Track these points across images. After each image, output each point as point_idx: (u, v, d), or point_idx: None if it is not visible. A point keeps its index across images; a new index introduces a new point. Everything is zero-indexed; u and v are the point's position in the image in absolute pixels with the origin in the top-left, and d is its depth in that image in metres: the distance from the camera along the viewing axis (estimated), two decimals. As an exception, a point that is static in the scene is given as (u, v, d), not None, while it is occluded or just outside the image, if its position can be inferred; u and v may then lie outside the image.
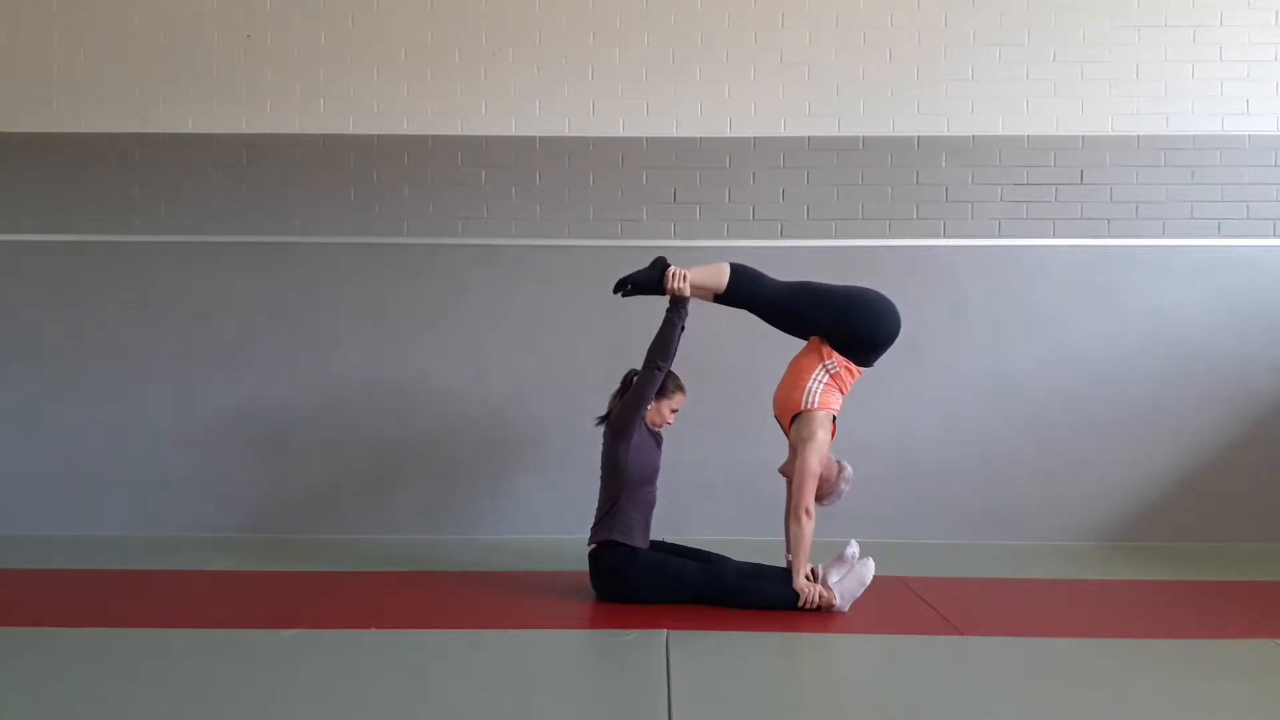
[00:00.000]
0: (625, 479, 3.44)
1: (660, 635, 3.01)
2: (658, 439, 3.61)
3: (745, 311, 4.82)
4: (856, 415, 4.59)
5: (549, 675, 2.73)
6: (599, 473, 3.55)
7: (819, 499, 3.50)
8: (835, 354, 3.45)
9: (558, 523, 4.54)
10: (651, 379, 3.42)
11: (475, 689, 2.57)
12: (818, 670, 2.93)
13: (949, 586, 3.74)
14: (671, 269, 3.44)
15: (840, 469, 3.52)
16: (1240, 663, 2.85)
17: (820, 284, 3.55)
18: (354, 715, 2.39)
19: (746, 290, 3.45)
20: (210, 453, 4.68)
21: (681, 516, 4.57)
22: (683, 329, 3.50)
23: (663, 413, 3.56)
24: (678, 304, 3.46)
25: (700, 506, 4.63)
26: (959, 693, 2.60)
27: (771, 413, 3.65)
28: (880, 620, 3.28)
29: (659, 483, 3.58)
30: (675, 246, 4.73)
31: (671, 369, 3.54)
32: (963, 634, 3.12)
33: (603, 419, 3.59)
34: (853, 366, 3.47)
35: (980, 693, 2.60)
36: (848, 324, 3.44)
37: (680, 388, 3.59)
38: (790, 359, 3.60)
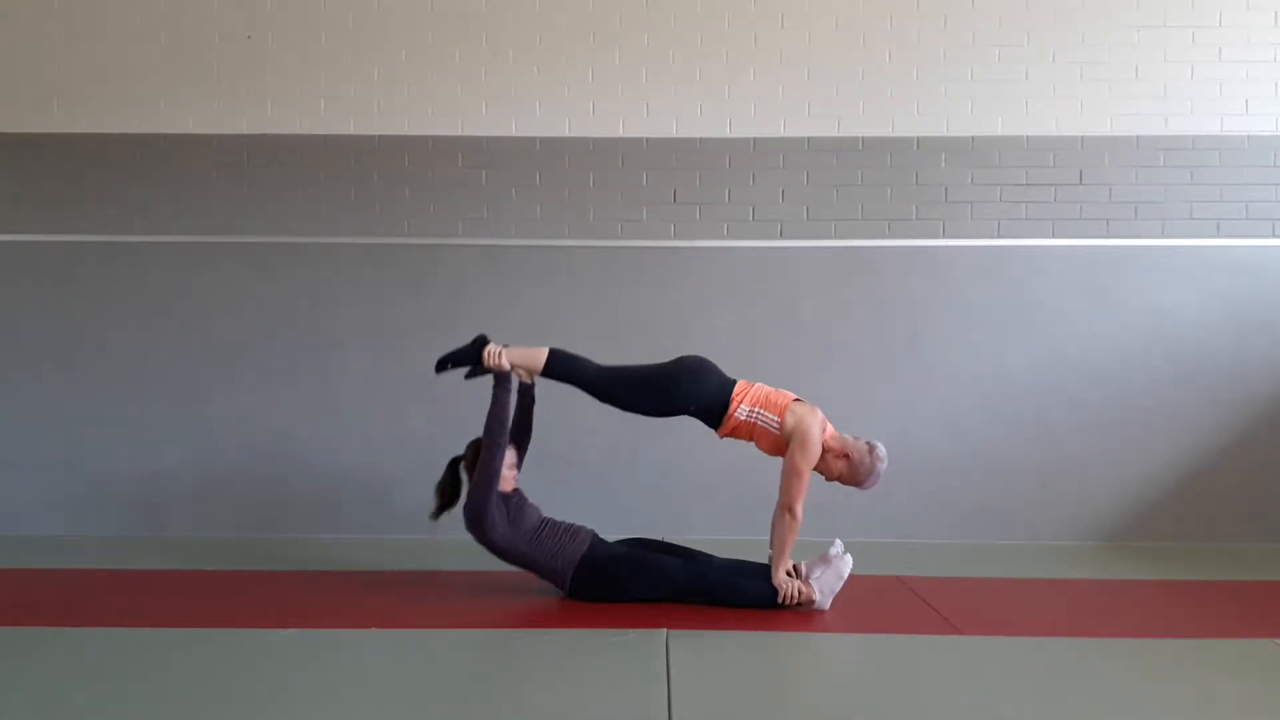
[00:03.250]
0: (517, 549, 3.45)
1: (660, 635, 3.01)
2: (517, 493, 3.60)
3: (744, 314, 4.85)
4: (855, 415, 4.59)
5: (549, 674, 2.73)
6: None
7: (861, 484, 3.47)
8: (732, 408, 3.43)
9: (558, 523, 4.54)
10: (492, 457, 3.44)
11: (475, 688, 2.57)
12: (817, 669, 2.94)
13: (948, 586, 3.74)
14: (489, 346, 3.54)
15: (871, 448, 3.44)
16: (1239, 662, 2.85)
17: (634, 368, 3.60)
18: (354, 715, 2.39)
19: (563, 374, 3.56)
20: (210, 453, 4.68)
21: (681, 516, 4.57)
22: (532, 399, 3.65)
23: (504, 477, 3.54)
24: (502, 380, 3.52)
25: (700, 506, 4.63)
26: (958, 692, 2.60)
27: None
28: (880, 619, 3.28)
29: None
30: (675, 247, 4.75)
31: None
32: (962, 633, 3.12)
33: (437, 512, 3.59)
34: (739, 394, 3.45)
35: (980, 692, 2.61)
36: (672, 403, 3.49)
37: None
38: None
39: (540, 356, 3.54)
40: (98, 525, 4.63)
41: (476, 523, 3.45)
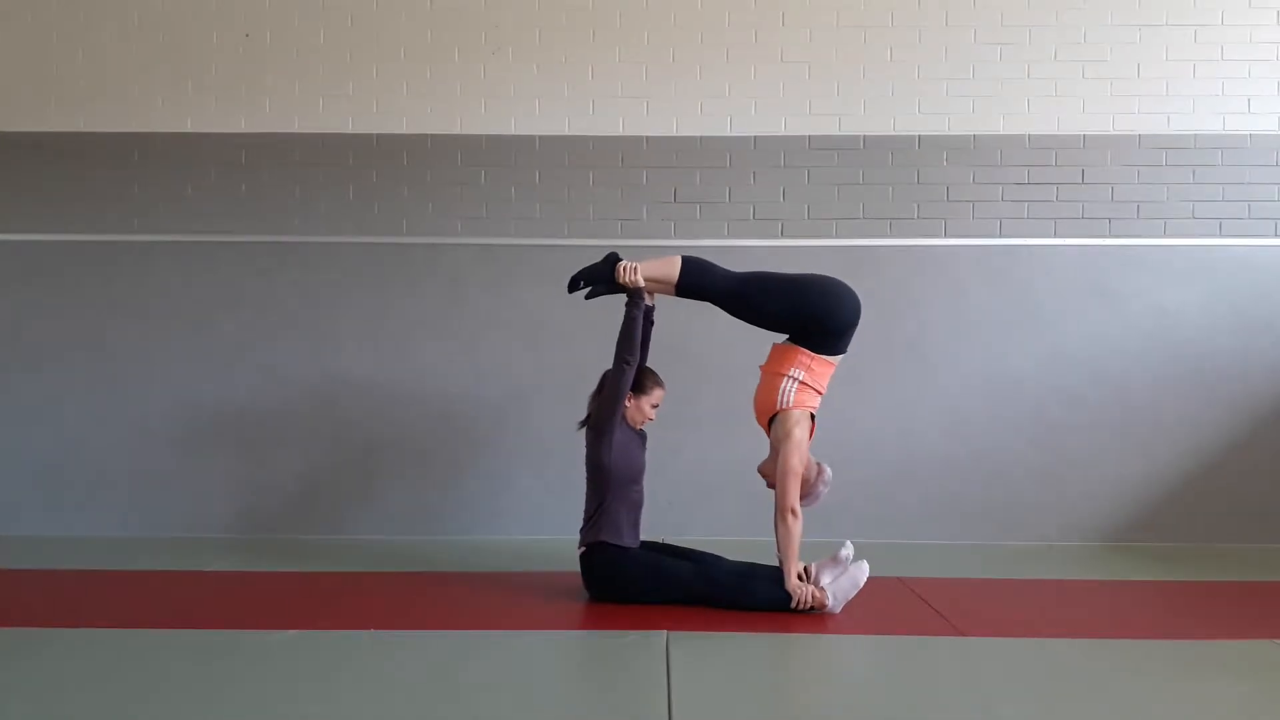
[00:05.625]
0: (611, 479, 3.45)
1: (660, 636, 3.00)
2: (641, 437, 3.62)
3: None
4: (857, 415, 4.59)
5: (549, 676, 2.73)
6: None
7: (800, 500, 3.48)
8: (802, 352, 3.45)
9: (556, 523, 4.54)
10: (622, 374, 3.44)
11: (476, 690, 2.56)
12: (818, 671, 2.92)
13: (949, 587, 3.73)
14: (623, 263, 3.51)
15: (820, 470, 3.49)
16: (1240, 663, 2.84)
17: (772, 272, 3.60)
18: (353, 716, 2.38)
19: (699, 281, 3.51)
20: (209, 453, 4.68)
21: (681, 516, 4.56)
22: (651, 322, 3.57)
23: (643, 409, 3.57)
24: (634, 297, 3.50)
25: (700, 506, 4.63)
26: (959, 693, 2.59)
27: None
28: (880, 621, 3.27)
29: (646, 481, 3.58)
30: (676, 246, 4.73)
31: (648, 366, 3.58)
32: (963, 634, 3.11)
33: (584, 422, 3.60)
34: (823, 359, 3.46)
35: (980, 693, 2.60)
36: (802, 311, 3.46)
37: (658, 383, 3.59)
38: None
39: (674, 267, 3.49)
40: (98, 525, 4.62)
41: (600, 432, 3.44)
